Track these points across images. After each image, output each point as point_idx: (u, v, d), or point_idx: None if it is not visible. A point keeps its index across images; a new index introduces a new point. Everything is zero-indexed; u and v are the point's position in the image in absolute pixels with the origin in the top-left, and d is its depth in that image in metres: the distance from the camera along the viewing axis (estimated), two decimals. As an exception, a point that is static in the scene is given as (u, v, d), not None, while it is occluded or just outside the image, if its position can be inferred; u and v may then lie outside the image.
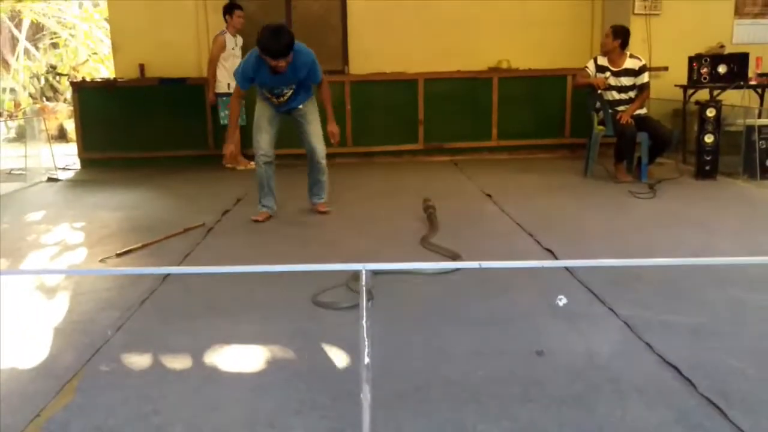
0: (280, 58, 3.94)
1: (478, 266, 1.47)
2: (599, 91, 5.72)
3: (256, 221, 4.42)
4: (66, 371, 2.23)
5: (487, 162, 7.15)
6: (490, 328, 2.56)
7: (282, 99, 4.29)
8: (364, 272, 1.54)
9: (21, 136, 9.81)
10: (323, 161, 4.46)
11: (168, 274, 3.21)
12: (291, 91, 4.27)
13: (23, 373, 2.27)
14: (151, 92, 7.27)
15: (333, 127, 4.44)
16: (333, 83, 7.18)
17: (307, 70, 4.20)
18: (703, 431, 1.79)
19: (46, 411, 1.97)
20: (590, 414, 1.90)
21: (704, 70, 6.11)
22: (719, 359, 2.22)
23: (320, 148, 4.43)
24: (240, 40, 6.82)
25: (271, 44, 3.90)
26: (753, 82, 6.20)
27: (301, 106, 4.41)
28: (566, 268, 3.13)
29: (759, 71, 6.39)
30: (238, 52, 6.73)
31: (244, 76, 4.18)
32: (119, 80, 7.50)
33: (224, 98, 6.55)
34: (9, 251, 3.89)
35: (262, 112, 4.39)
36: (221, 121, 6.73)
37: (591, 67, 5.81)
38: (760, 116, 5.88)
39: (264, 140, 4.38)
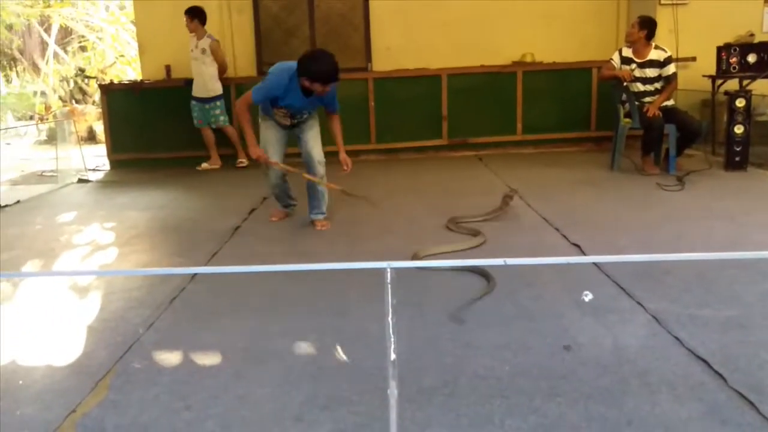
0: (332, 84, 3.92)
1: (503, 263, 1.47)
2: (625, 84, 5.65)
3: (272, 221, 4.50)
4: (99, 368, 2.28)
5: (511, 156, 7.11)
6: (517, 323, 2.56)
7: (297, 120, 4.19)
8: (389, 270, 1.55)
9: (52, 139, 10.02)
10: (321, 168, 4.23)
11: (196, 274, 3.26)
12: (308, 114, 4.22)
13: (58, 371, 2.32)
14: (177, 93, 7.35)
15: (345, 158, 4.23)
16: (356, 81, 7.26)
17: (332, 97, 4.10)
18: (734, 425, 1.77)
19: (81, 407, 2.02)
20: (618, 408, 1.89)
21: (733, 60, 6.00)
22: (750, 353, 2.19)
23: (318, 152, 4.24)
24: (194, 41, 6.93)
25: (330, 70, 3.84)
26: (784, 71, 6.08)
27: (303, 118, 4.27)
28: (594, 263, 3.11)
29: (790, 59, 6.26)
30: (197, 54, 6.91)
31: (269, 94, 4.01)
32: (146, 82, 7.60)
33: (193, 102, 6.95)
34: (42, 251, 3.98)
35: (270, 136, 4.24)
36: (195, 123, 7.02)
37: (616, 59, 5.74)
38: (791, 106, 5.77)
39: (273, 151, 4.24)
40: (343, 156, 4.24)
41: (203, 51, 6.83)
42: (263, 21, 7.84)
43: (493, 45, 7.68)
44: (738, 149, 5.54)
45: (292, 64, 3.92)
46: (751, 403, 1.86)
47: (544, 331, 2.47)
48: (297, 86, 3.92)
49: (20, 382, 2.25)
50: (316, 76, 3.82)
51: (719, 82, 6.31)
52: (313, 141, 4.26)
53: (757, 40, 6.52)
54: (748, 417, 1.81)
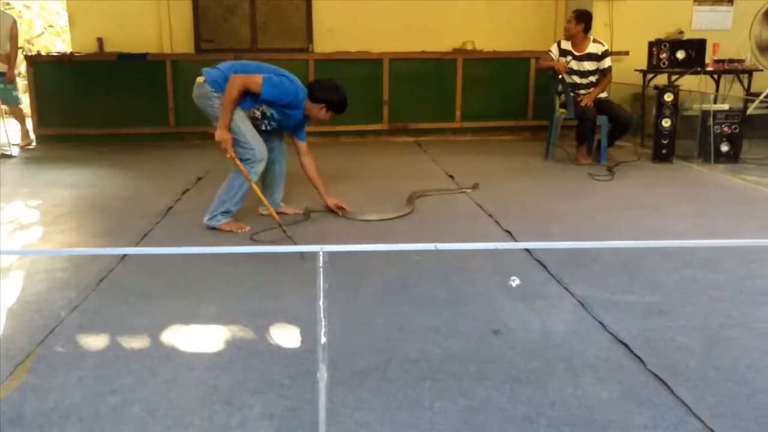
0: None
1: (434, 248, 1.49)
2: (561, 75, 5.78)
3: (227, 231, 3.73)
4: (19, 352, 2.20)
5: (450, 143, 7.18)
6: (449, 308, 2.60)
7: (266, 128, 3.82)
8: (321, 254, 1.54)
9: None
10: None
11: (125, 255, 3.17)
12: (278, 139, 4.01)
13: (-26, 354, 2.22)
14: (109, 68, 7.10)
15: (335, 201, 4.04)
16: (297, 62, 7.17)
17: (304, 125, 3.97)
18: (650, 406, 1.86)
19: (-1, 392, 1.94)
20: (543, 391, 1.95)
21: (663, 56, 6.22)
22: (668, 337, 2.29)
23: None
24: None
25: (346, 103, 3.84)
26: (710, 68, 6.34)
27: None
28: (525, 249, 3.18)
29: (716, 57, 6.54)
30: None
31: (281, 97, 3.65)
32: (76, 54, 7.30)
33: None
34: (-40, 229, 3.79)
35: (241, 114, 3.63)
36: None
37: (554, 51, 5.85)
38: (715, 101, 6.03)
39: (263, 143, 3.72)
40: (332, 200, 4.04)
41: None
42: (201, -3, 7.64)
43: (436, 31, 7.72)
44: (665, 142, 5.76)
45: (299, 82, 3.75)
46: (667, 385, 1.95)
47: (474, 315, 2.52)
48: (302, 105, 3.75)
49: (-68, 366, 2.15)
50: (339, 106, 3.78)
51: (650, 76, 6.54)
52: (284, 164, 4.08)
53: (686, 37, 6.78)
54: (663, 398, 1.89)
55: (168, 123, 7.17)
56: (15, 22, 7.07)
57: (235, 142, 3.57)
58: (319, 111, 3.76)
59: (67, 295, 2.71)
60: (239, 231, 3.69)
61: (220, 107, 3.54)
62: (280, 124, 3.84)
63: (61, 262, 3.13)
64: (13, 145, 6.90)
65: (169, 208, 4.22)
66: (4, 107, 7.14)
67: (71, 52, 7.47)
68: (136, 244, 3.49)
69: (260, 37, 7.74)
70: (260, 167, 3.68)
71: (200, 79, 3.65)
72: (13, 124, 7.31)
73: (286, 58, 7.30)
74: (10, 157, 6.41)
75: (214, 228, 3.71)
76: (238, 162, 3.58)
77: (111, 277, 2.94)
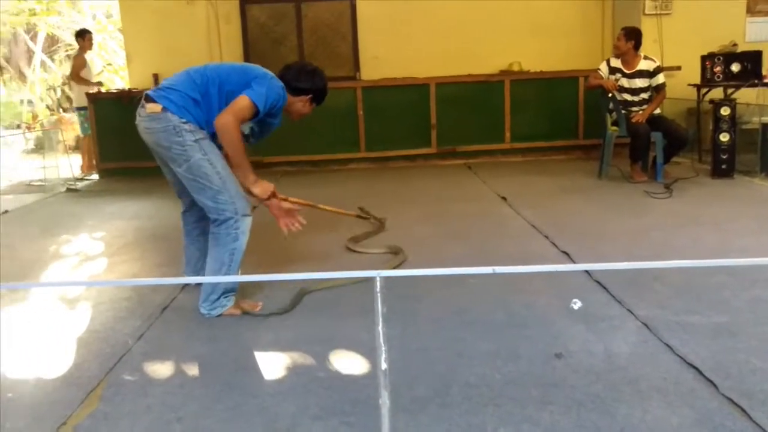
0: None
1: (492, 271, 1.48)
2: (611, 93, 5.70)
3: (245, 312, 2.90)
4: (90, 380, 2.26)
5: (500, 164, 7.14)
6: (508, 331, 2.56)
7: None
8: (378, 279, 1.55)
9: (39, 148, 9.93)
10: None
11: (186, 284, 3.24)
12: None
13: (48, 382, 2.30)
14: (165, 102, 7.33)
15: (288, 205, 3.10)
16: (345, 89, 7.29)
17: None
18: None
19: (72, 419, 2.00)
20: (611, 416, 1.89)
21: (717, 69, 6.08)
22: (741, 359, 2.21)
23: None
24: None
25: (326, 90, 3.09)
26: (767, 80, 6.16)
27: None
28: (584, 270, 3.12)
29: (773, 69, 6.35)
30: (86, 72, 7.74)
31: (277, 104, 2.85)
32: (134, 90, 7.58)
33: (82, 111, 7.65)
34: (30, 262, 3.94)
35: (220, 156, 2.82)
36: (82, 133, 7.88)
37: (604, 69, 5.79)
38: (776, 114, 5.84)
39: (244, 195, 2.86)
40: (278, 201, 3.01)
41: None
42: (251, 30, 7.86)
43: (481, 54, 7.74)
44: (724, 157, 5.60)
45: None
46: (743, 410, 1.87)
47: (535, 338, 2.48)
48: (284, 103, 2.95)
49: (9, 395, 2.23)
50: (324, 93, 3.06)
51: (704, 90, 6.39)
52: None
53: (740, 49, 6.61)
54: (740, 424, 1.82)
55: (222, 153, 7.35)
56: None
57: (211, 196, 2.74)
58: (304, 104, 3.03)
59: (132, 324, 2.79)
60: (254, 309, 2.90)
61: (194, 145, 2.72)
62: (258, 139, 3.08)
63: (125, 291, 3.23)
64: (78, 179, 7.18)
65: (226, 237, 4.30)
66: (70, 143, 7.63)
67: (129, 89, 7.77)
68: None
69: (309, 66, 7.89)
70: (247, 225, 2.81)
71: (155, 108, 2.74)
72: (75, 159, 7.64)
73: (334, 87, 7.40)
74: (75, 191, 6.67)
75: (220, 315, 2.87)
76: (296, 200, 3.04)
77: (174, 306, 3.01)
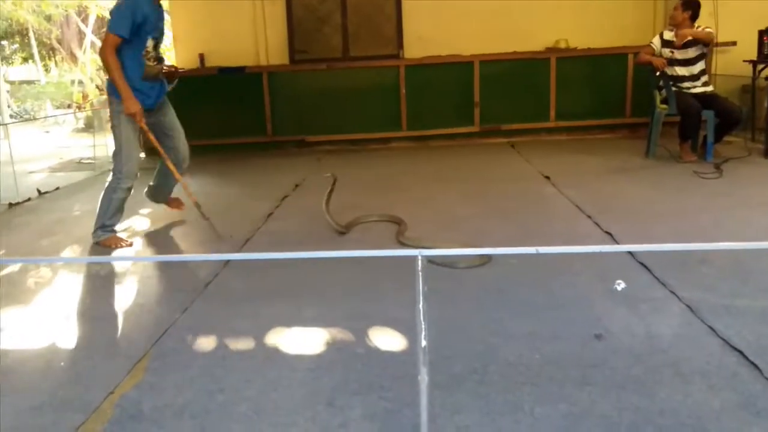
0: None
1: (534, 251, 1.47)
2: (660, 70, 5.52)
3: (108, 246, 3.77)
4: (136, 351, 2.34)
5: (545, 143, 7.03)
6: (548, 312, 2.55)
7: (156, 63, 3.79)
8: (419, 258, 1.55)
9: (89, 127, 10.21)
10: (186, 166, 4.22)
11: (229, 260, 3.31)
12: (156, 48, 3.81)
13: (97, 353, 2.39)
14: (210, 81, 7.44)
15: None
16: (388, 68, 7.26)
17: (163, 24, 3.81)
18: (769, 417, 1.75)
19: (120, 388, 2.08)
20: (651, 398, 1.87)
21: (775, 44, 5.83)
22: (788, 344, 2.15)
23: (186, 148, 4.14)
24: None
25: None
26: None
27: (164, 97, 4.02)
28: (627, 251, 3.07)
29: (835, 43, 6.06)
30: None
31: (135, 18, 3.48)
32: (181, 70, 7.69)
33: None
34: (81, 237, 4.07)
35: (130, 129, 3.76)
36: None
37: (656, 42, 5.62)
38: (836, 91, 5.59)
39: (137, 164, 3.87)
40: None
41: None
42: (295, 9, 7.86)
43: (527, 31, 7.59)
44: (779, 136, 5.40)
45: None
46: (788, 395, 1.83)
47: (575, 319, 2.46)
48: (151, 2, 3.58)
49: (61, 363, 2.33)
50: None
51: (760, 67, 6.14)
52: (180, 131, 4.06)
53: (800, 23, 6.32)
54: (784, 409, 1.78)
55: (266, 132, 7.43)
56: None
57: (114, 152, 3.77)
58: None
59: (177, 298, 2.87)
60: (122, 245, 3.76)
61: (116, 115, 3.68)
62: (160, 25, 3.75)
63: (170, 266, 3.31)
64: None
65: (269, 215, 4.37)
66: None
67: (175, 67, 7.87)
68: (239, 250, 3.64)
69: (352, 45, 7.88)
70: (127, 186, 3.78)
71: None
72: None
73: (378, 65, 7.42)
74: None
75: (98, 243, 3.79)
76: (153, 138, 3.83)
77: (216, 281, 3.08)
